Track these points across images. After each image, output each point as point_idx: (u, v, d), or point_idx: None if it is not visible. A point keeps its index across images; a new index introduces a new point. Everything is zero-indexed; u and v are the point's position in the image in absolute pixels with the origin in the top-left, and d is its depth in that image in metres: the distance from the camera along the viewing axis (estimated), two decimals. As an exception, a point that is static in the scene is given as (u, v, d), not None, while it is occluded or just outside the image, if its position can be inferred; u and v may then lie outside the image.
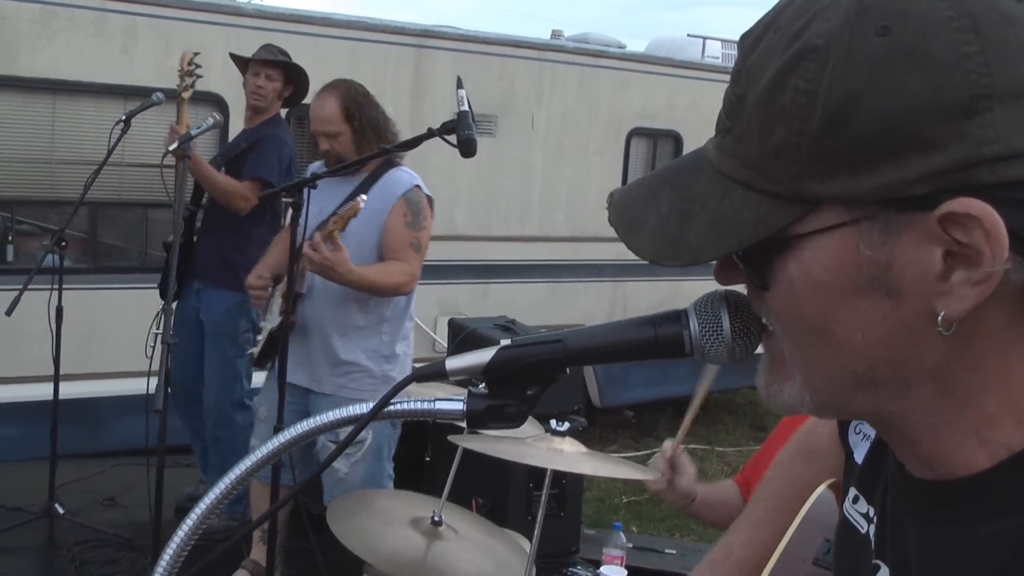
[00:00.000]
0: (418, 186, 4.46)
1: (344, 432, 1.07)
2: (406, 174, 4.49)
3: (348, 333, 4.45)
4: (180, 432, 5.64)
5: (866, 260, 0.81)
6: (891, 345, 0.83)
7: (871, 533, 1.04)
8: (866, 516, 1.07)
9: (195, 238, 5.61)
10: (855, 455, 1.15)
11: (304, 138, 7.19)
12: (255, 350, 4.63)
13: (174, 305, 5.12)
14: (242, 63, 5.58)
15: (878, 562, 1.00)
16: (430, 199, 4.52)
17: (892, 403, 0.87)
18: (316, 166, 4.60)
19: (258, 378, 5.60)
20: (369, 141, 4.42)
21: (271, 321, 4.55)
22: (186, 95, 5.24)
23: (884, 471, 1.03)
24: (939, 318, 0.80)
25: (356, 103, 4.44)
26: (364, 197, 4.16)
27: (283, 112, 5.74)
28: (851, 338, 0.84)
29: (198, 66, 5.29)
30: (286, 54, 5.58)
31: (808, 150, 0.80)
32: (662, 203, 0.89)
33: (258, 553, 4.72)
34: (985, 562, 0.83)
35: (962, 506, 0.87)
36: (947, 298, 0.79)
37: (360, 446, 4.47)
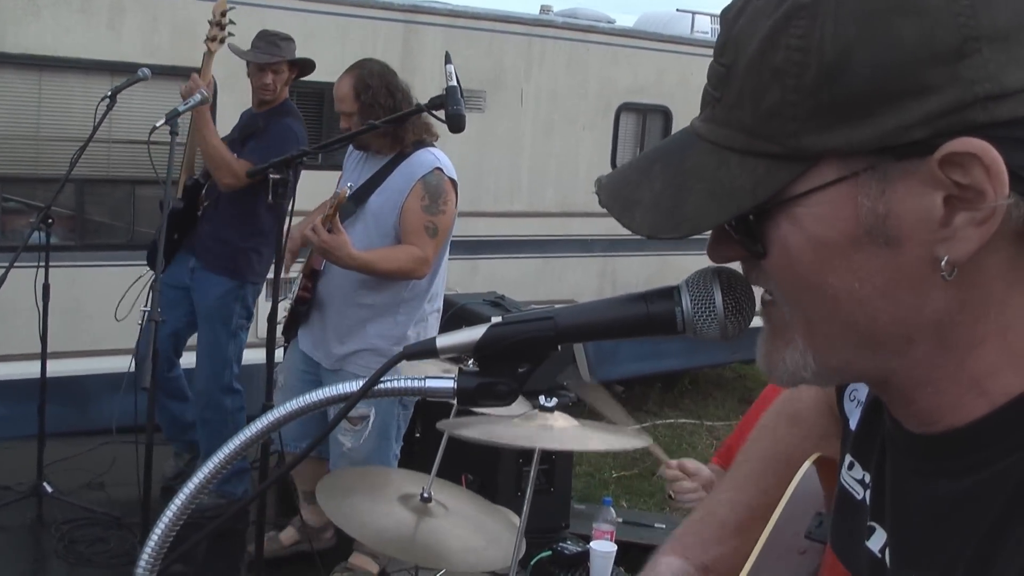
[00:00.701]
0: (440, 168, 4.42)
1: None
2: (430, 155, 4.45)
3: (362, 312, 4.47)
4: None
5: (864, 211, 0.82)
6: (890, 295, 0.84)
7: (867, 498, 1.05)
8: (861, 482, 1.08)
9: (199, 212, 5.59)
10: (850, 422, 1.16)
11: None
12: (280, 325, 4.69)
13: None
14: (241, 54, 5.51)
15: (873, 524, 1.01)
16: (454, 182, 4.48)
17: (894, 360, 0.88)
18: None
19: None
20: (412, 127, 4.43)
21: (292, 298, 4.59)
22: (214, 47, 5.23)
23: (878, 434, 1.04)
24: (943, 263, 0.81)
25: (365, 84, 4.46)
26: (351, 185, 4.22)
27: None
28: (849, 290, 0.85)
29: (231, 22, 5.26)
30: (287, 38, 5.50)
31: (805, 105, 0.81)
32: (654, 180, 0.90)
33: (307, 513, 4.78)
34: (989, 503, 0.85)
35: (963, 455, 0.88)
36: (950, 242, 0.81)
37: (365, 422, 4.48)
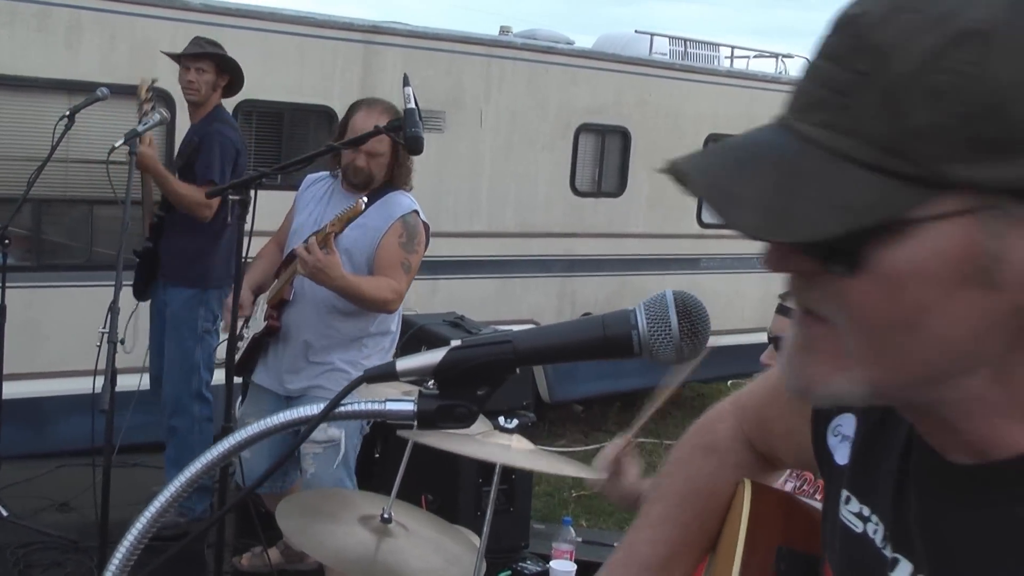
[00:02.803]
0: (417, 211, 4.49)
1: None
2: (407, 199, 4.52)
3: (328, 342, 4.48)
4: (127, 432, 5.60)
5: (984, 250, 0.81)
6: (977, 339, 0.84)
7: (868, 531, 1.05)
8: (859, 515, 1.07)
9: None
10: (835, 457, 1.15)
11: (251, 134, 7.16)
12: (237, 356, 4.62)
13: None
14: (176, 59, 5.58)
15: (896, 556, 1.00)
16: (427, 226, 4.56)
17: (949, 393, 0.88)
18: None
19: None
20: (398, 170, 4.50)
21: (255, 327, 4.55)
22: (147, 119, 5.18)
23: (885, 464, 1.03)
24: None
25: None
26: (364, 199, 4.15)
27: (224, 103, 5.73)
28: (942, 332, 0.83)
29: (156, 93, 5.35)
30: (217, 45, 5.58)
31: (958, 133, 0.79)
32: (759, 177, 0.85)
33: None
34: None
35: (1017, 485, 0.88)
36: None
37: (335, 446, 4.47)
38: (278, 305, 4.50)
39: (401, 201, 4.48)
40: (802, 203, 0.81)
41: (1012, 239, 0.80)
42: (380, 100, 4.67)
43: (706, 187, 0.86)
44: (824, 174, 0.82)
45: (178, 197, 5.29)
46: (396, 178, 4.53)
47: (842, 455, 1.13)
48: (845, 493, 1.10)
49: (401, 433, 3.18)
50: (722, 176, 0.86)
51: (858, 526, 1.07)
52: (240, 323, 4.60)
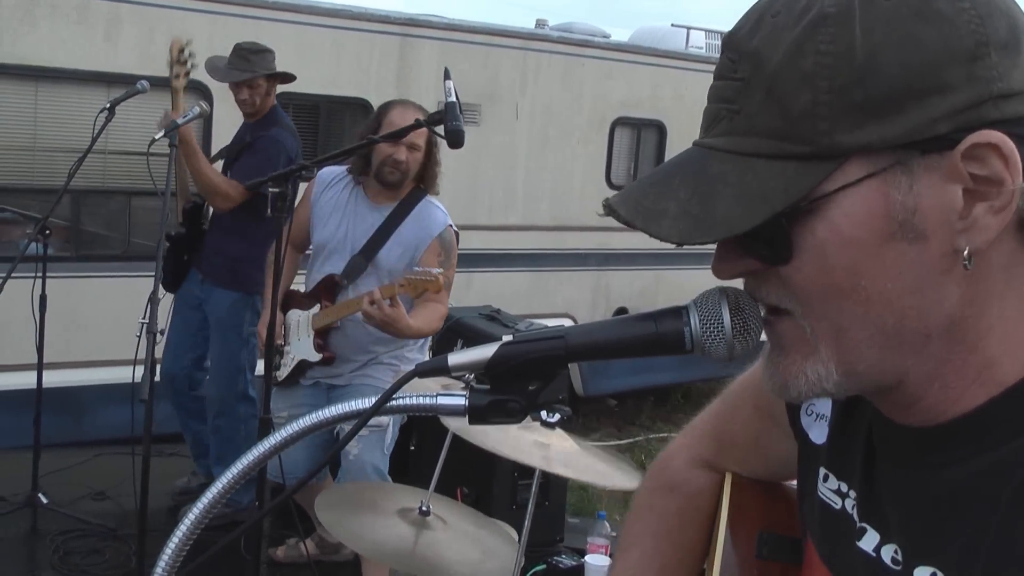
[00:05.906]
0: (451, 225, 4.52)
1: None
2: (440, 212, 4.53)
3: (372, 351, 4.53)
4: (165, 421, 5.65)
5: (896, 206, 0.87)
6: (918, 291, 0.89)
7: (847, 506, 1.09)
8: (838, 492, 1.11)
9: (204, 227, 5.68)
10: (811, 436, 1.19)
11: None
12: (279, 372, 4.60)
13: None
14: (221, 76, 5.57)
15: (864, 525, 1.04)
16: (457, 235, 4.58)
17: (911, 358, 0.92)
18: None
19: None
20: (429, 166, 4.52)
21: (299, 351, 4.58)
22: (178, 83, 5.32)
23: (856, 441, 1.08)
24: (965, 252, 0.87)
25: None
26: (441, 270, 4.16)
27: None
28: (881, 290, 0.89)
29: (191, 55, 5.34)
30: (260, 51, 5.54)
31: (837, 105, 0.86)
32: (677, 190, 0.92)
33: (324, 530, 4.83)
34: (1006, 477, 0.89)
35: (974, 439, 0.93)
36: (970, 232, 0.87)
37: (381, 431, 4.49)
38: (324, 333, 4.51)
39: (435, 216, 4.48)
40: (720, 204, 0.89)
41: (921, 188, 0.87)
42: (412, 101, 4.69)
43: (629, 211, 0.94)
44: (733, 174, 0.90)
45: (202, 176, 5.26)
46: (427, 179, 4.52)
47: (817, 434, 1.18)
48: (823, 471, 1.15)
49: (447, 423, 3.18)
50: (643, 198, 0.94)
51: (837, 503, 1.11)
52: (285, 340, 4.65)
